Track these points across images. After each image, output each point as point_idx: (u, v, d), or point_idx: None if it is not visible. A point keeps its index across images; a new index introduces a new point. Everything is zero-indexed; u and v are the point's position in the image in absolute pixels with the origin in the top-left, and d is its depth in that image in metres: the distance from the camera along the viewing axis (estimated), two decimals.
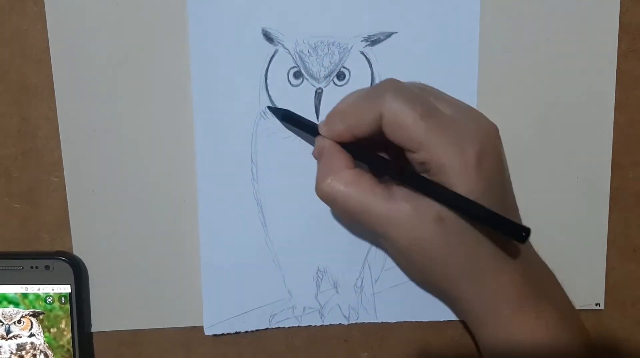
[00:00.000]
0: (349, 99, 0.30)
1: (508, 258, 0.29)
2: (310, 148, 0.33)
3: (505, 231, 0.26)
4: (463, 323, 0.37)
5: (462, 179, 0.27)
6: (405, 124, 0.27)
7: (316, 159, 0.31)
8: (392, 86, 0.29)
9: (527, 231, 0.25)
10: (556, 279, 0.32)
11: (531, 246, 0.32)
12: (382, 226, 0.28)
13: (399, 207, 0.28)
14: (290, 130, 0.34)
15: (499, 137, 0.29)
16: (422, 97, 0.28)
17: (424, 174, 0.28)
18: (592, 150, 0.36)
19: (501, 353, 0.30)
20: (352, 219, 0.29)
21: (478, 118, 0.29)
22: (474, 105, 0.34)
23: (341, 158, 0.29)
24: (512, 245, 0.29)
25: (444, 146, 0.27)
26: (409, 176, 0.28)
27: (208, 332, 0.35)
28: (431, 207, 0.27)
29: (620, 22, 0.34)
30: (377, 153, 0.30)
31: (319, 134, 0.31)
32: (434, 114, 0.27)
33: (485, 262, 0.28)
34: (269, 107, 0.33)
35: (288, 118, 0.33)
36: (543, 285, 0.31)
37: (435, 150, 0.27)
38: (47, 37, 0.33)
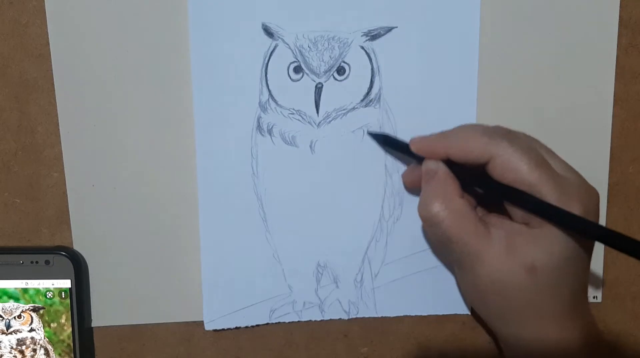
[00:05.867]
0: (459, 130, 0.31)
1: (583, 305, 0.30)
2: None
3: (629, 251, 0.26)
4: (463, 317, 0.37)
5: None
6: (519, 170, 0.28)
7: (405, 181, 0.33)
8: (506, 133, 0.30)
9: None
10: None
11: None
12: (471, 260, 0.29)
13: (495, 248, 0.28)
14: (390, 153, 0.34)
15: (599, 204, 0.30)
16: (534, 148, 0.29)
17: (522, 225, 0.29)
18: (591, 145, 0.36)
19: None
20: (442, 245, 0.30)
21: (584, 182, 0.30)
22: (474, 100, 0.34)
23: (454, 185, 0.30)
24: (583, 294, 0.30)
25: (553, 196, 0.27)
26: (537, 201, 0.28)
27: (208, 327, 0.35)
28: (527, 255, 0.28)
29: (620, 16, 0.34)
30: (492, 178, 0.30)
31: (412, 154, 0.31)
32: (547, 166, 0.28)
33: (566, 307, 0.29)
34: (369, 133, 0.34)
35: (389, 142, 0.33)
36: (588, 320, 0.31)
37: (545, 199, 0.27)
38: (47, 32, 0.32)
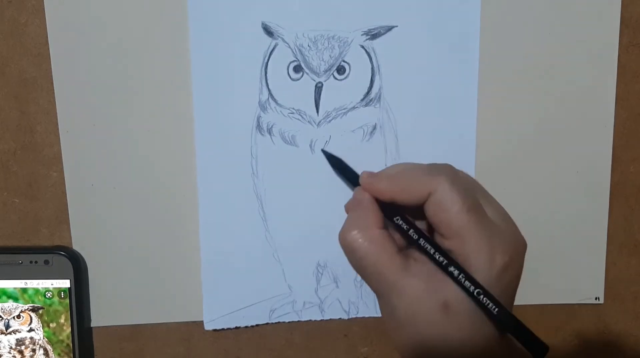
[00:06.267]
0: (402, 167, 0.31)
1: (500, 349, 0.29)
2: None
3: (525, 342, 0.26)
4: None
5: (482, 281, 0.27)
6: (450, 210, 0.28)
7: (347, 209, 0.32)
8: (449, 171, 0.30)
9: (547, 349, 0.26)
10: None
11: None
12: (387, 291, 0.29)
13: (411, 282, 0.28)
14: (339, 176, 0.33)
15: (524, 255, 0.30)
16: (472, 193, 0.29)
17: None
18: (592, 145, 0.36)
19: None
20: (360, 273, 0.30)
21: (514, 231, 0.30)
22: (474, 99, 0.34)
23: (374, 216, 0.30)
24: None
25: (477, 243, 0.28)
26: (441, 252, 0.28)
27: (208, 326, 0.35)
28: (440, 291, 0.28)
29: (621, 16, 0.34)
30: (411, 220, 0.30)
31: (359, 184, 0.31)
32: (479, 212, 0.28)
33: (478, 350, 0.28)
34: (323, 151, 0.33)
35: (337, 164, 0.33)
36: None
37: (468, 244, 0.28)
38: (46, 31, 0.32)
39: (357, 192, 0.31)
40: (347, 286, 0.36)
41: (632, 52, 0.35)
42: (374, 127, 0.34)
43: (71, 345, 0.35)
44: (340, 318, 0.36)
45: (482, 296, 0.27)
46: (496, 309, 0.26)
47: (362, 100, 0.34)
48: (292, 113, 0.34)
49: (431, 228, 0.30)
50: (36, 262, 0.34)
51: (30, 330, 0.35)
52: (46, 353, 0.35)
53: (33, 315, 0.34)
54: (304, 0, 0.33)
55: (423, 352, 0.29)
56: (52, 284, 0.34)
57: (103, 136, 0.34)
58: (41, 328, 0.35)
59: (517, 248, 0.29)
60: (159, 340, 0.36)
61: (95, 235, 0.35)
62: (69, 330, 0.35)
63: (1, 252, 0.34)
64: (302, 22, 0.33)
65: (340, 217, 0.35)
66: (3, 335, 0.35)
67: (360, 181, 0.31)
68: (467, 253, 0.28)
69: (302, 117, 0.34)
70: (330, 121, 0.34)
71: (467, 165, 0.35)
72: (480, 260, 0.28)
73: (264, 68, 0.33)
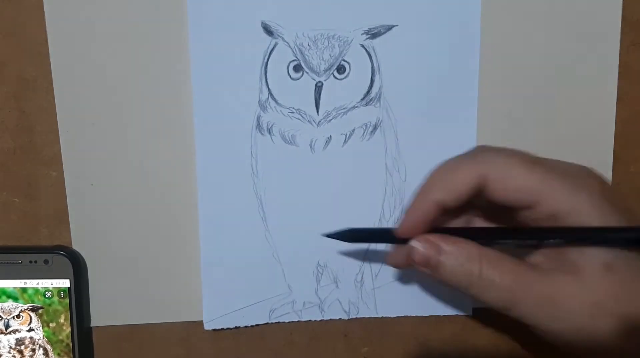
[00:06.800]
0: (437, 170, 0.27)
1: None
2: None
3: None
4: (463, 318, 0.37)
5: (595, 218, 0.24)
6: (518, 174, 0.25)
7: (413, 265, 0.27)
8: (488, 147, 0.27)
9: None
10: None
11: None
12: (542, 304, 0.25)
13: (562, 278, 0.24)
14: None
15: (598, 174, 0.27)
16: (518, 151, 0.26)
17: None
18: (593, 145, 0.35)
19: None
20: (506, 311, 0.26)
21: (582, 166, 0.27)
22: (474, 99, 0.34)
23: (469, 246, 0.26)
24: None
25: (567, 190, 0.24)
26: (556, 231, 0.25)
27: (208, 326, 0.35)
28: (594, 259, 0.24)
29: (622, 15, 0.34)
30: (494, 226, 0.27)
31: (399, 232, 0.27)
32: (544, 162, 0.25)
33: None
34: (328, 235, 0.30)
35: (356, 237, 0.30)
36: None
37: (559, 197, 0.24)
38: (46, 30, 0.32)
39: (425, 252, 0.26)
40: (347, 287, 0.36)
41: (633, 51, 0.35)
42: (374, 127, 0.34)
43: (71, 344, 0.35)
44: (340, 318, 0.36)
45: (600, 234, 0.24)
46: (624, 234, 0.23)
47: (362, 99, 0.34)
48: (292, 113, 0.34)
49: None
50: (36, 262, 0.34)
51: (30, 329, 0.35)
52: (46, 353, 0.35)
53: (33, 314, 0.34)
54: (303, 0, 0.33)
55: (617, 331, 0.24)
56: (51, 284, 0.34)
57: (103, 135, 0.34)
58: (41, 328, 0.35)
59: (596, 175, 0.26)
60: (158, 340, 0.36)
61: (95, 234, 0.34)
62: (69, 329, 0.35)
63: (1, 252, 0.34)
64: (302, 22, 0.33)
65: (340, 217, 0.35)
66: (3, 335, 0.34)
67: (399, 232, 0.27)
68: (562, 205, 0.24)
69: (302, 116, 0.34)
70: (330, 120, 0.34)
71: None
72: (580, 201, 0.24)
73: (263, 67, 0.33)
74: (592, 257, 0.24)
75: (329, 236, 0.30)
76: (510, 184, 0.25)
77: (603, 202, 0.24)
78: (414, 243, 0.26)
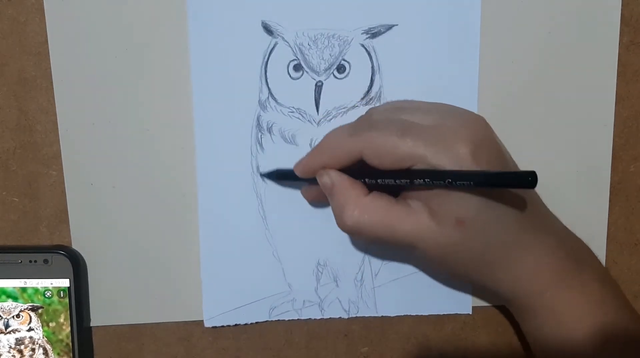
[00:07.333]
0: (327, 140, 0.31)
1: (534, 240, 0.30)
2: None
3: (514, 184, 0.25)
4: (463, 317, 0.37)
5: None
6: (388, 150, 0.28)
7: (307, 198, 0.33)
8: (370, 116, 0.30)
9: (533, 175, 0.24)
10: (591, 251, 0.33)
11: (557, 220, 0.33)
12: (409, 242, 0.29)
13: (420, 220, 0.28)
14: (289, 186, 0.34)
15: (488, 125, 0.29)
16: (394, 119, 0.29)
17: None
18: (593, 144, 0.36)
19: (550, 334, 0.30)
20: (380, 242, 0.30)
21: (462, 114, 0.30)
22: (474, 99, 0.34)
23: (355, 187, 0.30)
24: (536, 226, 0.30)
25: (434, 154, 0.27)
26: (418, 174, 0.28)
27: (208, 323, 0.35)
28: (449, 212, 0.28)
29: (622, 14, 0.34)
30: (379, 170, 0.29)
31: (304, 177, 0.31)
32: (412, 130, 0.28)
33: (512, 250, 0.29)
34: (261, 174, 0.34)
35: (282, 176, 0.33)
36: (579, 258, 0.31)
37: (429, 161, 0.27)
38: (46, 30, 0.32)
39: (321, 178, 0.30)
40: (347, 286, 0.36)
41: (632, 51, 0.35)
42: None
43: (71, 344, 0.35)
44: (340, 318, 0.36)
45: (456, 181, 0.26)
46: (470, 183, 0.26)
47: (362, 99, 0.34)
48: (292, 112, 0.34)
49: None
50: (35, 261, 0.34)
51: (30, 329, 0.35)
52: (45, 352, 0.35)
53: (32, 314, 0.34)
54: None
55: (472, 271, 0.30)
56: (51, 283, 0.34)
57: (103, 134, 0.34)
58: (40, 327, 0.35)
59: (474, 127, 0.28)
60: (158, 340, 0.36)
61: (95, 234, 0.34)
62: (69, 329, 0.35)
63: (1, 251, 0.34)
64: (302, 21, 0.33)
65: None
66: (2, 335, 0.34)
67: (295, 171, 0.32)
68: (433, 168, 0.27)
69: (302, 116, 0.34)
70: (330, 119, 0.34)
71: None
72: (446, 163, 0.27)
73: (263, 67, 0.33)
74: (448, 211, 0.28)
75: (262, 175, 0.34)
76: (384, 155, 0.28)
77: (465, 163, 0.27)
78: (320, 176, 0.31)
